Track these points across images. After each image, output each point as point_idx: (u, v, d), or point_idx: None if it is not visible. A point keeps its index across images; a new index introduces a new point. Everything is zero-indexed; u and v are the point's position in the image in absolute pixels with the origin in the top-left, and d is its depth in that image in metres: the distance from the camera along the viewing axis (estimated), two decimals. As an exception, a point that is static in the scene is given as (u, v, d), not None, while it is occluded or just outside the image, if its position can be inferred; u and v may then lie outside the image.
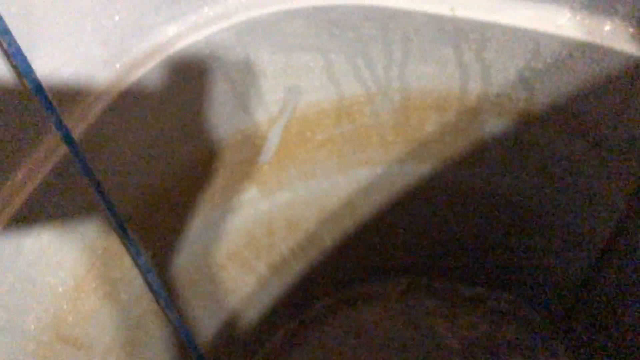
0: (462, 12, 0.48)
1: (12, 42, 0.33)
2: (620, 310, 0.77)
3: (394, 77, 0.56)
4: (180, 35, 0.47)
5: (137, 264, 0.53)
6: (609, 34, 0.46)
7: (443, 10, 0.48)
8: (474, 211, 0.76)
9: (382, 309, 0.94)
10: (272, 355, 0.88)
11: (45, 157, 0.45)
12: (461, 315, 0.92)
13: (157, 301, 0.56)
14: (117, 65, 0.47)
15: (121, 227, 0.46)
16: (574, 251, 0.75)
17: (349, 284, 0.93)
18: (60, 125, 0.38)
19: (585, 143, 0.57)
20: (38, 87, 0.36)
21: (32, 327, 0.50)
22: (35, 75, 0.36)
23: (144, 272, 0.51)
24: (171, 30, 0.48)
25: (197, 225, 0.66)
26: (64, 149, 0.43)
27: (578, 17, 0.47)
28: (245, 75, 0.53)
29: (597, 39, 0.47)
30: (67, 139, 0.38)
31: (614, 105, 0.51)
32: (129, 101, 0.48)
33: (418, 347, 0.88)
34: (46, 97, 0.36)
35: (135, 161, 0.54)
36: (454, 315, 0.92)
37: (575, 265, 0.77)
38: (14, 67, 0.36)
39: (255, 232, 0.75)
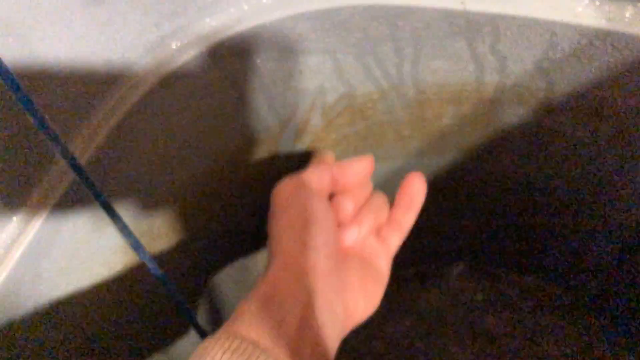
0: (473, 6, 0.46)
1: (9, 76, 0.33)
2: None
3: (406, 73, 0.54)
4: (181, 50, 0.46)
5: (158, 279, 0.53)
6: (631, 19, 0.44)
7: (453, 4, 0.46)
8: (496, 198, 0.74)
9: (412, 293, 0.93)
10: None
11: (58, 180, 0.45)
12: (493, 296, 0.91)
13: (180, 311, 0.56)
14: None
15: (136, 246, 0.46)
16: (605, 234, 0.73)
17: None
18: (66, 154, 0.37)
19: (609, 129, 0.55)
20: (41, 122, 0.35)
21: None
22: (37, 109, 0.35)
23: (167, 288, 0.51)
24: (150, 56, 0.47)
25: (216, 229, 0.66)
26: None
27: (597, 3, 0.45)
28: (253, 81, 0.52)
29: (618, 26, 0.44)
30: (74, 166, 0.38)
31: (639, 92, 0.49)
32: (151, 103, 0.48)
33: (453, 327, 0.88)
34: (49, 130, 0.36)
35: (152, 170, 0.53)
36: (486, 297, 0.91)
37: (607, 247, 0.75)
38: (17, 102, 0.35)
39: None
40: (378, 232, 0.48)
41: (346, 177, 0.46)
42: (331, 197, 0.47)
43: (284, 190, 0.44)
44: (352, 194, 0.47)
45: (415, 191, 0.48)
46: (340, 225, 0.45)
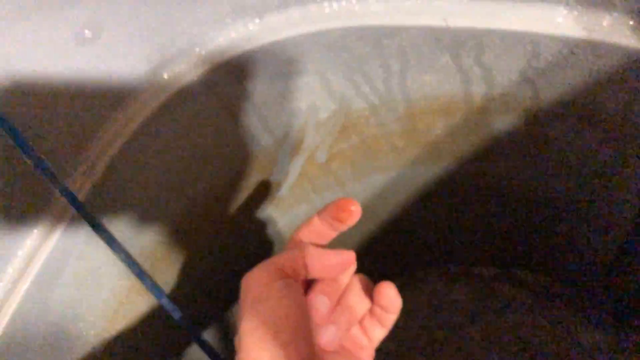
0: (456, 22, 0.47)
1: (5, 121, 0.34)
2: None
3: (395, 88, 0.56)
4: (173, 79, 0.48)
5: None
6: (609, 28, 0.45)
7: (436, 21, 0.47)
8: (492, 204, 0.75)
9: (416, 295, 0.94)
10: None
11: (61, 213, 0.47)
12: (493, 296, 0.92)
13: (188, 335, 0.57)
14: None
15: (140, 274, 0.47)
16: (601, 234, 0.74)
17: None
18: (65, 192, 0.39)
19: (598, 134, 0.56)
20: (39, 163, 0.36)
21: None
22: (35, 153, 0.36)
23: (169, 311, 0.52)
24: (143, 87, 0.48)
25: (217, 248, 0.67)
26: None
27: (575, 13, 0.46)
28: (246, 104, 0.53)
29: (596, 35, 0.45)
30: (74, 203, 0.39)
31: (623, 97, 0.50)
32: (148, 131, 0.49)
33: (454, 329, 0.88)
34: (48, 171, 0.37)
35: (157, 193, 0.55)
36: (486, 296, 0.92)
37: (604, 246, 0.76)
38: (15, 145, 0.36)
39: (277, 247, 0.76)
40: (360, 321, 0.44)
41: (321, 271, 0.42)
42: (304, 282, 0.43)
43: (256, 281, 0.39)
44: (327, 288, 0.43)
45: (390, 299, 0.44)
46: (315, 323, 0.42)
